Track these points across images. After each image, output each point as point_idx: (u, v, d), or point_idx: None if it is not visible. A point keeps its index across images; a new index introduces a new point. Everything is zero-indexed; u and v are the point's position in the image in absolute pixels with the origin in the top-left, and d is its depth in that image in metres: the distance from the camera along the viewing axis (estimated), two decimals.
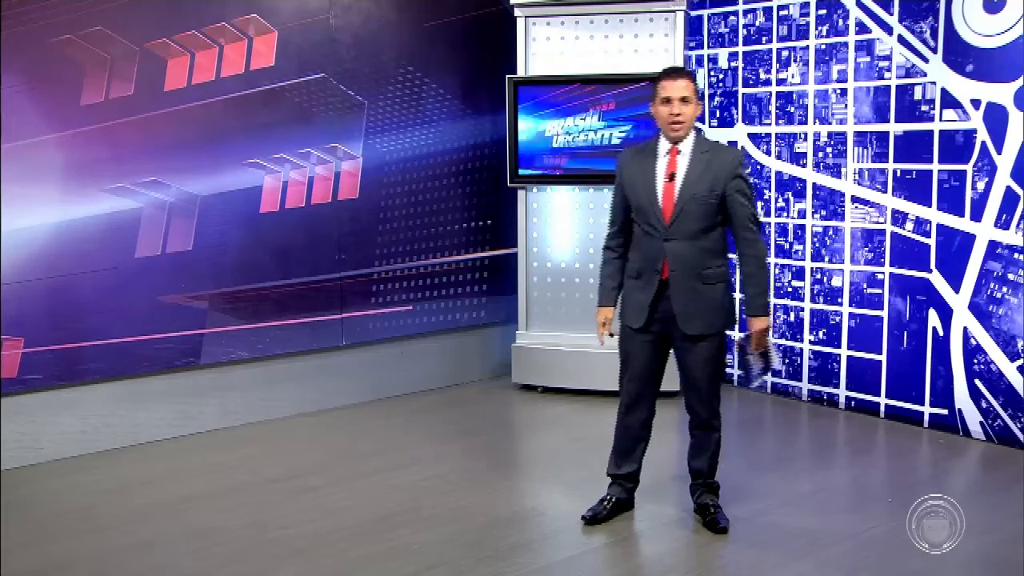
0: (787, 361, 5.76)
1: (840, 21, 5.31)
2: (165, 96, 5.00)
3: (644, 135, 5.60)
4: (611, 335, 3.90)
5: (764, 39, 5.68)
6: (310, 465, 4.70)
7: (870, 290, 5.31)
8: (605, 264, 3.87)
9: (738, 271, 3.81)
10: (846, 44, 5.30)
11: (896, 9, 5.06)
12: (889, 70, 5.12)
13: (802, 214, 5.59)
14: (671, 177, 3.64)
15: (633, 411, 3.85)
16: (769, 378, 5.84)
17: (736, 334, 3.65)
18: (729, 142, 5.90)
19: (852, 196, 5.34)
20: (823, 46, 5.40)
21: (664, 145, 3.70)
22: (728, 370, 5.92)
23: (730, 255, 3.77)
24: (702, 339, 3.70)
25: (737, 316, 3.75)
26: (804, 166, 5.56)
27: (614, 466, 3.97)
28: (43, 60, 4.64)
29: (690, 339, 3.69)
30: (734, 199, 3.64)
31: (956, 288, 4.92)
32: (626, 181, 3.75)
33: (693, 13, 5.95)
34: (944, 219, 4.95)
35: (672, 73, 3.67)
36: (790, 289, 5.69)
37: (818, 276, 5.55)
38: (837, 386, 5.52)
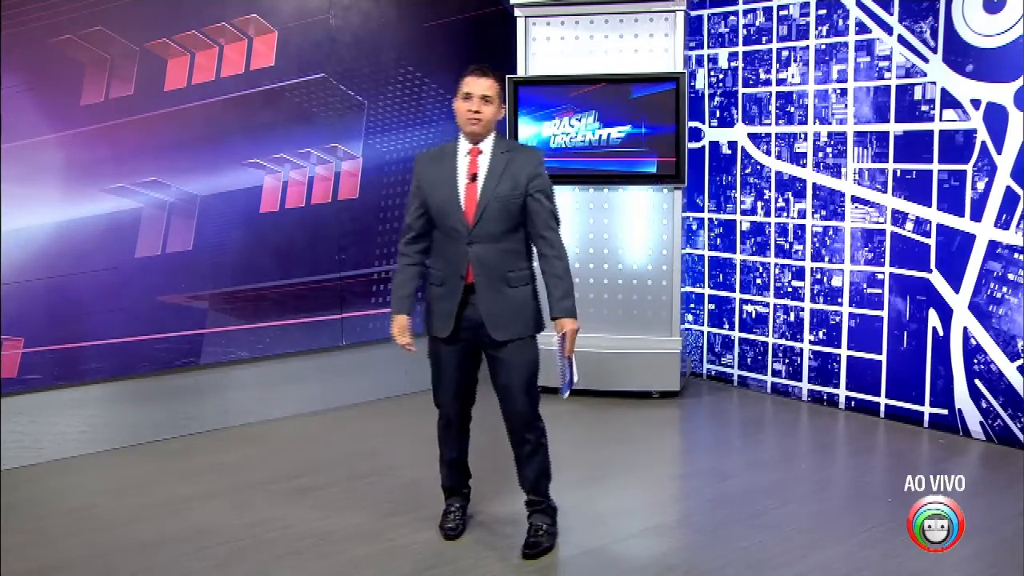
0: (787, 361, 5.76)
1: (840, 21, 5.31)
2: (165, 96, 4.99)
3: (644, 134, 5.61)
4: (411, 349, 3.60)
5: (764, 39, 5.68)
6: (310, 465, 4.70)
7: (870, 290, 5.31)
8: (399, 271, 3.65)
9: (542, 273, 3.57)
10: (846, 44, 5.30)
11: (896, 9, 5.06)
12: (889, 70, 5.12)
13: (802, 214, 5.59)
14: (473, 178, 3.50)
15: (452, 428, 3.75)
16: (769, 378, 5.85)
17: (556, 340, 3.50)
18: (729, 142, 5.90)
19: (852, 196, 5.34)
20: (823, 46, 5.40)
21: (464, 145, 3.55)
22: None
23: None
24: (510, 344, 3.54)
25: (545, 320, 3.58)
26: (804, 166, 5.56)
27: (446, 476, 3.89)
28: (43, 60, 4.64)
29: (498, 345, 3.53)
30: (535, 199, 3.50)
31: (956, 288, 4.92)
32: (425, 184, 3.56)
33: (693, 13, 5.95)
34: (944, 219, 4.95)
35: (477, 71, 3.50)
36: (790, 289, 5.69)
37: (818, 276, 5.55)
38: (837, 386, 5.52)
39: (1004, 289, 4.74)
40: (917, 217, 5.07)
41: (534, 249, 3.60)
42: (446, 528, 3.83)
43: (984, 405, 4.86)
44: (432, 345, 3.65)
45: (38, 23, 4.60)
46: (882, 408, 5.32)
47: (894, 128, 5.13)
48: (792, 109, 5.58)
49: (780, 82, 5.62)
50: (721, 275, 6.07)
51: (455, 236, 3.51)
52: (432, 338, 3.63)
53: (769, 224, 5.75)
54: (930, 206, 5.00)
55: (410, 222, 3.63)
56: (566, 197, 5.92)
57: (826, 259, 5.50)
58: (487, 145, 3.54)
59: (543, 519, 3.71)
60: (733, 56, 5.85)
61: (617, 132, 5.68)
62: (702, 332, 6.22)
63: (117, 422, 5.01)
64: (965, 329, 4.91)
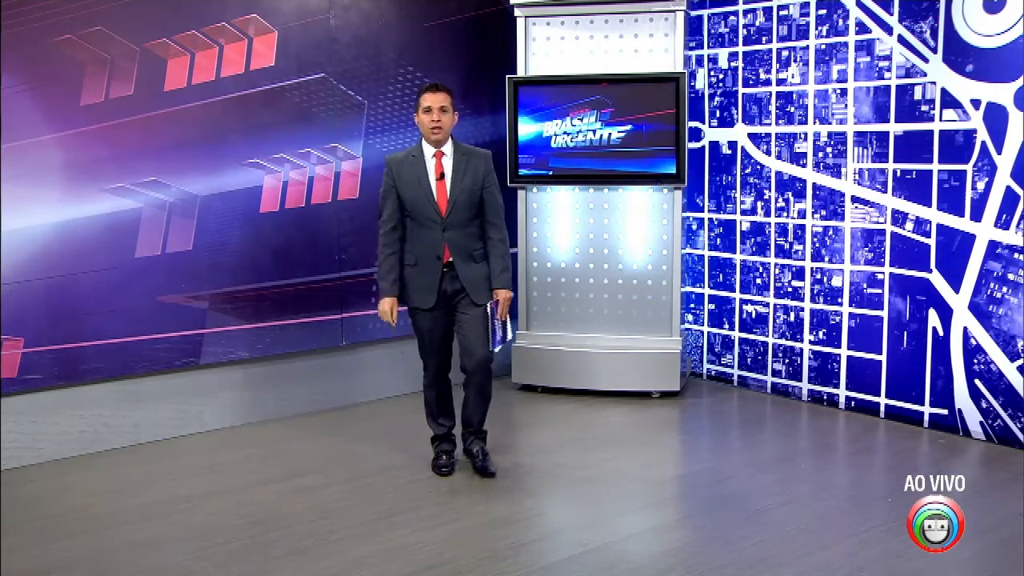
0: (787, 361, 5.76)
1: (840, 21, 5.31)
2: (165, 96, 5.00)
3: (644, 134, 5.61)
4: (393, 324, 4.39)
5: (764, 39, 5.68)
6: (310, 465, 4.70)
7: (870, 290, 5.31)
8: (387, 258, 4.35)
9: (488, 251, 4.42)
10: (846, 44, 5.30)
11: (896, 9, 5.06)
12: (889, 70, 5.12)
13: (802, 214, 5.59)
14: (441, 176, 4.32)
15: (440, 376, 4.47)
16: (769, 378, 5.85)
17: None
18: (729, 142, 5.91)
19: (852, 196, 5.34)
20: (823, 46, 5.40)
21: (429, 150, 4.34)
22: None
23: None
24: (479, 308, 4.37)
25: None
26: (804, 166, 5.56)
27: (437, 426, 4.57)
28: (43, 60, 4.64)
29: (473, 306, 4.35)
30: (488, 192, 4.39)
31: (956, 288, 4.92)
32: (400, 183, 4.32)
33: (693, 13, 5.95)
34: (944, 219, 4.95)
35: (432, 87, 4.31)
36: (790, 289, 5.69)
37: (818, 276, 5.55)
38: (837, 386, 5.52)
39: (1004, 289, 4.74)
40: (917, 217, 5.07)
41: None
42: (440, 467, 4.51)
43: (984, 405, 4.86)
44: (415, 317, 4.41)
45: (38, 23, 4.60)
46: (882, 408, 5.32)
47: (894, 128, 5.13)
48: (792, 109, 5.58)
49: (780, 82, 5.62)
50: (721, 275, 6.07)
51: (430, 225, 4.32)
52: (413, 310, 4.40)
53: (769, 224, 5.75)
54: (930, 206, 5.00)
55: (387, 216, 4.37)
56: (566, 197, 5.93)
57: (826, 259, 5.50)
58: (448, 149, 4.37)
59: (481, 444, 4.54)
60: (733, 56, 5.85)
61: (617, 132, 5.69)
62: (702, 332, 6.22)
63: (117, 422, 5.01)
64: (965, 329, 4.91)
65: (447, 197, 4.31)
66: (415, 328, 4.44)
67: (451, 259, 4.32)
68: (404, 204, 4.34)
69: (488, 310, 4.37)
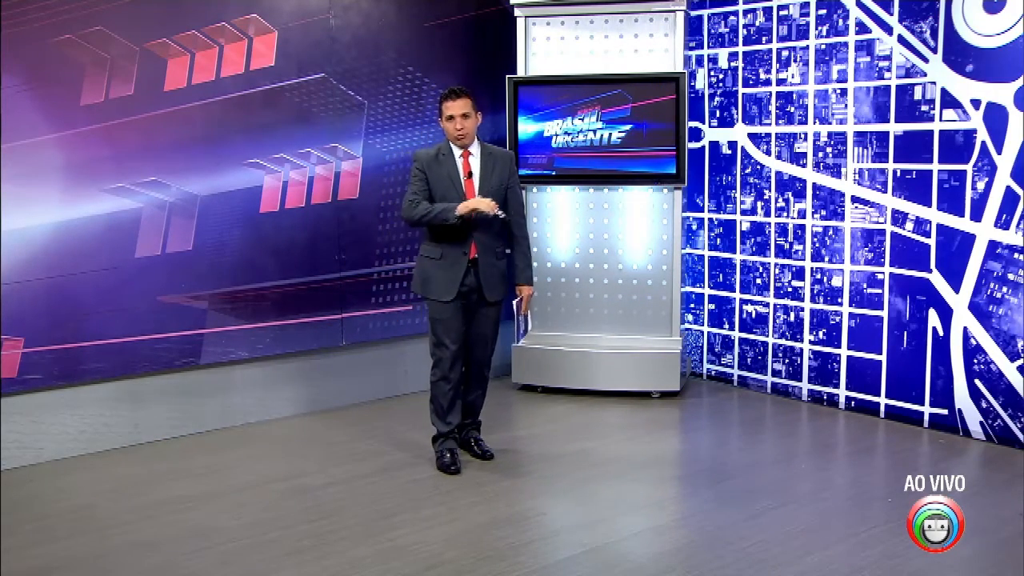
0: (787, 361, 5.76)
1: (840, 21, 5.31)
2: (165, 96, 4.99)
3: (644, 134, 5.61)
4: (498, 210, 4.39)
5: (764, 39, 5.68)
6: (310, 465, 4.70)
7: (870, 290, 5.31)
8: (422, 203, 4.36)
9: (512, 247, 4.64)
10: (846, 44, 5.30)
11: (896, 9, 5.06)
12: (889, 70, 5.12)
13: (802, 214, 5.59)
14: (469, 175, 4.47)
15: (454, 368, 4.50)
16: (769, 378, 5.85)
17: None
18: (729, 142, 5.91)
19: (852, 196, 5.34)
20: (823, 46, 5.40)
21: (457, 150, 4.48)
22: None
23: None
24: (497, 304, 4.56)
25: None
26: (804, 166, 5.56)
27: (444, 424, 4.57)
28: (43, 60, 4.64)
29: (489, 304, 4.52)
30: (512, 192, 4.57)
31: (956, 288, 4.92)
32: (432, 178, 4.43)
33: (693, 13, 5.95)
34: (944, 219, 4.95)
35: (452, 95, 4.41)
36: (790, 289, 5.69)
37: (818, 276, 5.55)
38: (837, 386, 5.52)
39: (1004, 289, 4.74)
40: (917, 217, 5.07)
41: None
42: (448, 466, 4.51)
43: (984, 405, 4.86)
44: (435, 307, 4.48)
45: (38, 23, 4.60)
46: (882, 408, 5.32)
47: (894, 128, 5.13)
48: (792, 109, 5.58)
49: (780, 82, 5.62)
50: (721, 275, 6.07)
51: (458, 221, 4.33)
52: (432, 301, 4.48)
53: (769, 224, 5.75)
54: (930, 206, 5.01)
55: (415, 190, 4.42)
56: (566, 197, 5.93)
57: (826, 259, 5.50)
58: (475, 148, 4.52)
59: (477, 434, 4.78)
60: (733, 56, 5.85)
61: (617, 132, 5.69)
62: (702, 332, 6.22)
63: (117, 422, 5.01)
64: (965, 329, 4.91)
65: (476, 196, 4.43)
66: (432, 318, 4.51)
67: (476, 256, 4.43)
68: (435, 197, 4.43)
69: (514, 305, 4.67)
